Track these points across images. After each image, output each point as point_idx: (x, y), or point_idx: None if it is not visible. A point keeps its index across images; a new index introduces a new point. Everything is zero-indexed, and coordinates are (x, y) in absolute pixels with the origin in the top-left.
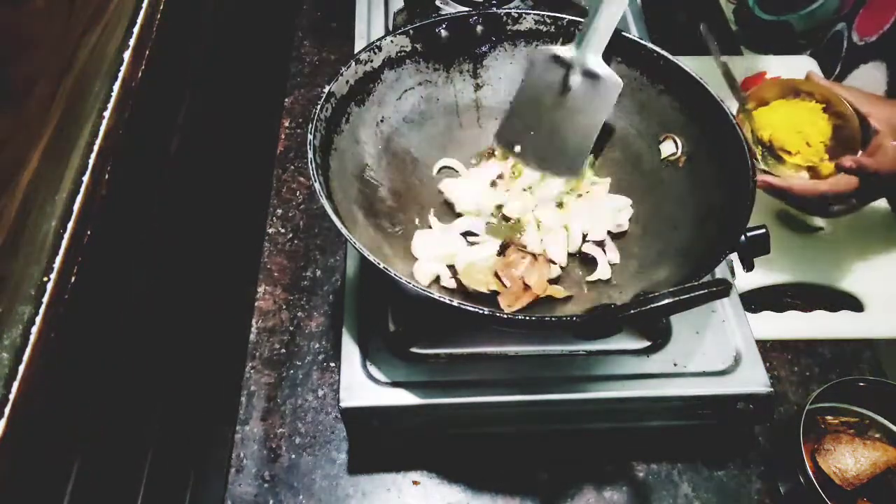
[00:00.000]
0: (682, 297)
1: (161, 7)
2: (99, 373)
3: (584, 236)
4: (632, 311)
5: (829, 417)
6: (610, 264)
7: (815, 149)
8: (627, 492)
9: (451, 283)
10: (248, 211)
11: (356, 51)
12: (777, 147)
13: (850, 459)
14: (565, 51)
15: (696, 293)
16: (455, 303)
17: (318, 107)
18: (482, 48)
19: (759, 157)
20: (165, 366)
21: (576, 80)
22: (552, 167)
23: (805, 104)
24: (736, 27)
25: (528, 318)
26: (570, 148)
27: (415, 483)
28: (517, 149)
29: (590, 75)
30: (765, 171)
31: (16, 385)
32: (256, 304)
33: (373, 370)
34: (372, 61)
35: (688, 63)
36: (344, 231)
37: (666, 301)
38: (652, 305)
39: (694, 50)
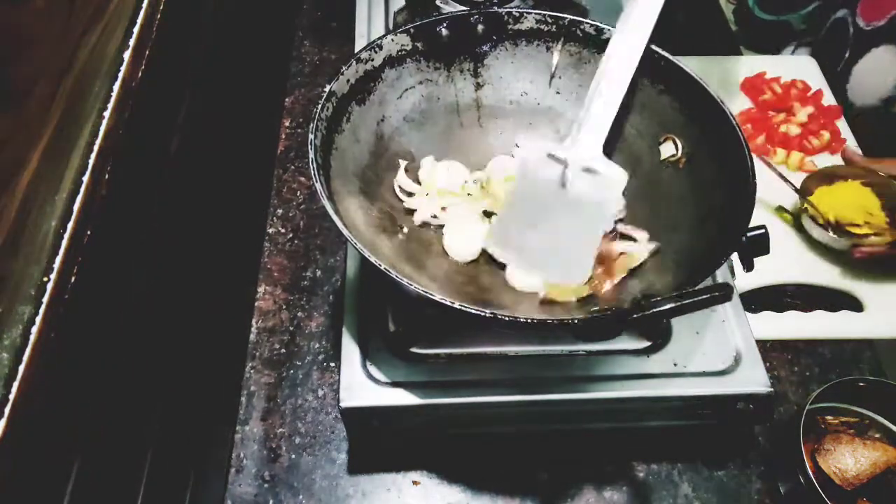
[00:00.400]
0: (683, 302)
1: (161, 7)
2: (99, 373)
3: None
4: (634, 316)
5: (829, 417)
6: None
7: (877, 216)
8: (627, 492)
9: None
10: (248, 211)
11: (357, 50)
12: (845, 224)
13: (850, 459)
14: (561, 149)
15: (699, 298)
16: (455, 304)
17: (319, 106)
18: (483, 47)
19: (834, 237)
20: (165, 366)
21: (574, 177)
22: (552, 274)
23: (849, 184)
24: (736, 27)
25: (528, 319)
26: (571, 253)
27: (415, 483)
28: (510, 256)
29: (589, 171)
30: (856, 246)
31: (16, 385)
32: (256, 304)
33: (373, 370)
34: (373, 60)
35: (688, 63)
36: (344, 231)
37: (668, 305)
38: (654, 310)
39: (694, 50)
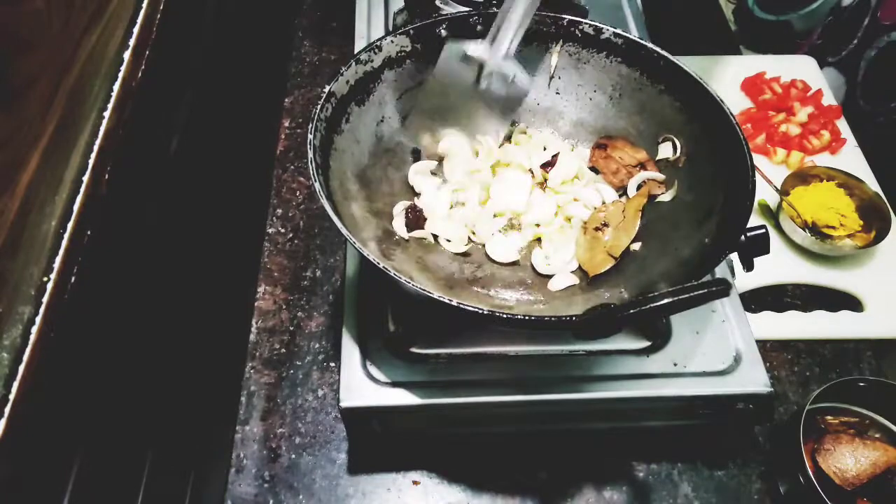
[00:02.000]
0: (681, 297)
1: (161, 7)
2: (99, 373)
3: None
4: (631, 311)
5: (829, 417)
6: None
7: (850, 218)
8: (627, 492)
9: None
10: (248, 211)
11: (356, 51)
12: (821, 226)
13: (850, 459)
14: (477, 48)
15: (696, 293)
16: (455, 302)
17: (319, 107)
18: None
19: (812, 239)
20: (165, 366)
21: (487, 77)
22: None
23: (822, 185)
24: (736, 27)
25: (527, 317)
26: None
27: (415, 483)
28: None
29: (501, 75)
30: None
31: (16, 385)
32: (256, 304)
33: (373, 370)
34: (372, 61)
35: (688, 63)
36: (344, 231)
37: (665, 301)
38: (652, 305)
39: (694, 50)
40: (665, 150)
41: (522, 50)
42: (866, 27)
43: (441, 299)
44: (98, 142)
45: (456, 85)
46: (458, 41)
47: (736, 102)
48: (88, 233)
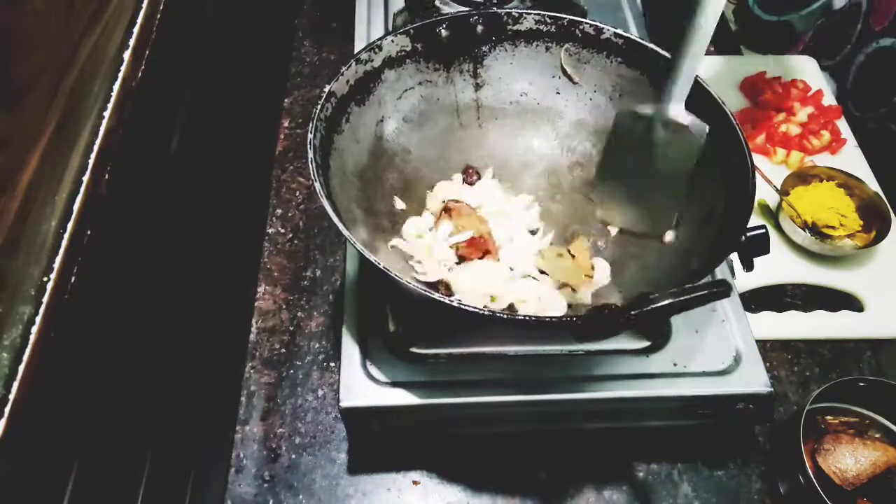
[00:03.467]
0: (682, 298)
1: (161, 7)
2: (99, 373)
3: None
4: (632, 313)
5: (829, 417)
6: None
7: (850, 218)
8: (627, 492)
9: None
10: (247, 211)
11: (356, 51)
12: (821, 226)
13: (850, 459)
14: (646, 108)
15: (697, 294)
16: (455, 303)
17: (319, 106)
18: (482, 48)
19: (812, 239)
20: (166, 366)
21: (659, 131)
22: (638, 227)
23: (822, 185)
24: (736, 27)
25: (527, 318)
26: (658, 202)
27: (415, 483)
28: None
29: (673, 125)
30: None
31: (16, 385)
32: (256, 304)
33: (373, 370)
34: (372, 61)
35: None
36: (344, 231)
37: (666, 302)
38: (652, 306)
39: None
40: None
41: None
42: (859, 32)
43: (441, 299)
44: (98, 142)
45: (630, 147)
46: (628, 103)
47: (736, 102)
48: (88, 233)
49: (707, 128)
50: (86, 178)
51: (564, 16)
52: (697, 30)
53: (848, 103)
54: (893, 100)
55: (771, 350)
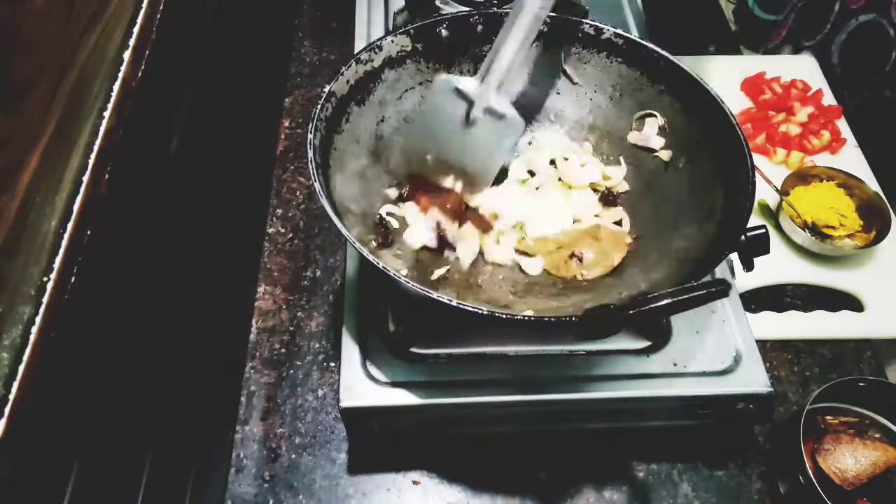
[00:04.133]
0: (681, 298)
1: (161, 7)
2: (99, 373)
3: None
4: (631, 312)
5: (829, 417)
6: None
7: (850, 218)
8: (627, 492)
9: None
10: (248, 211)
11: (356, 51)
12: (821, 226)
13: (850, 459)
14: (468, 84)
15: (696, 293)
16: (454, 302)
17: (319, 106)
18: (483, 48)
19: (813, 239)
20: (166, 366)
21: (478, 115)
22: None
23: (822, 185)
24: (736, 27)
25: (527, 317)
26: (469, 175)
27: (415, 483)
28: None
29: (492, 113)
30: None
31: (16, 385)
32: (256, 304)
33: (373, 370)
34: (372, 61)
35: (688, 63)
36: (344, 231)
37: (665, 301)
38: (652, 305)
39: (694, 50)
40: (651, 127)
41: (530, 50)
42: (837, 12)
43: (441, 299)
44: (98, 142)
45: (445, 121)
46: (450, 76)
47: (736, 102)
48: (88, 233)
49: (523, 125)
50: (86, 178)
51: (564, 16)
52: (520, 14)
53: (833, 82)
54: (886, 69)
55: (771, 350)
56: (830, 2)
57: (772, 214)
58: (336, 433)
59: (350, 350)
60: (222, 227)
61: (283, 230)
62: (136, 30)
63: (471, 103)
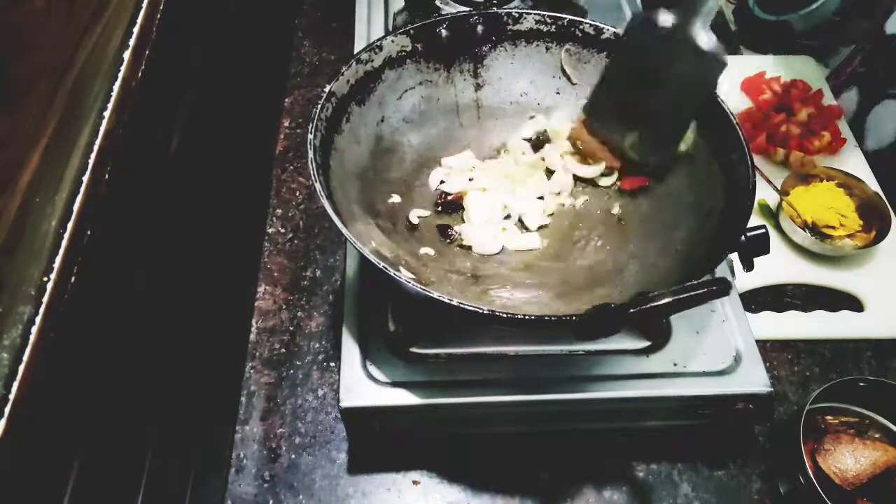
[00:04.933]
0: (681, 297)
1: (161, 7)
2: (99, 373)
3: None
4: (631, 311)
5: (829, 417)
6: None
7: (850, 218)
8: (627, 492)
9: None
10: (248, 211)
11: (356, 51)
12: (821, 226)
13: (850, 459)
14: (666, 18)
15: (696, 293)
16: (455, 302)
17: (319, 106)
18: (483, 48)
19: (813, 239)
20: (165, 365)
21: (675, 52)
22: (642, 152)
23: (822, 185)
24: (736, 27)
25: (527, 317)
26: (663, 126)
27: (415, 483)
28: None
29: (692, 48)
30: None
31: (16, 385)
32: (256, 304)
33: (373, 370)
34: (372, 61)
35: None
36: (344, 231)
37: (666, 300)
38: (651, 305)
39: None
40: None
41: (527, 48)
42: None
43: (441, 299)
44: (98, 142)
45: (641, 64)
46: (645, 12)
47: (736, 102)
48: (88, 233)
49: (727, 61)
50: (86, 178)
51: (564, 16)
52: None
53: (754, 7)
54: (893, 6)
55: (771, 350)
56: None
57: (772, 214)
58: (336, 433)
59: (350, 350)
60: (222, 226)
61: (283, 230)
62: (136, 30)
63: (670, 37)
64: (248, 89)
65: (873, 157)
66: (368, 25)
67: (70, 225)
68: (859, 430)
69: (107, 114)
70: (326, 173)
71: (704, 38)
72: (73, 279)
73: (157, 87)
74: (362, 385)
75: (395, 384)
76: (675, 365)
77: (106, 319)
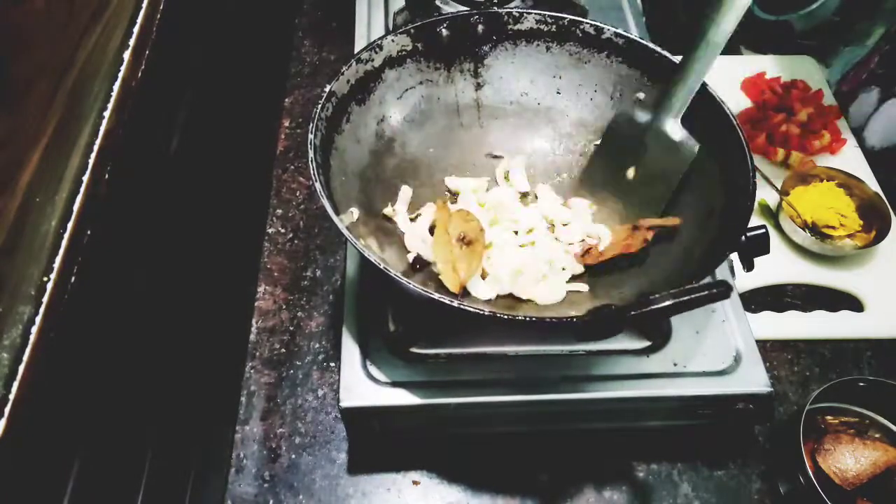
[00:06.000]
0: (682, 299)
1: (161, 7)
2: (99, 373)
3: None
4: (633, 313)
5: (829, 417)
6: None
7: (850, 218)
8: (627, 492)
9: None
10: (248, 211)
11: (356, 50)
12: (821, 226)
13: (850, 459)
14: (642, 115)
15: (697, 295)
16: (455, 303)
17: (319, 106)
18: (483, 48)
19: (813, 239)
20: (165, 365)
21: (652, 139)
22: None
23: (822, 185)
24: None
25: (527, 318)
26: (642, 203)
27: (415, 483)
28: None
29: (665, 139)
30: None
31: (16, 385)
32: (256, 304)
33: (373, 370)
34: (373, 60)
35: None
36: (344, 231)
37: (667, 302)
38: (653, 307)
39: None
40: None
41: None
42: None
43: (441, 299)
44: (98, 142)
45: (623, 148)
46: (626, 109)
47: (736, 102)
48: (88, 233)
49: (697, 147)
50: (86, 178)
51: (565, 15)
52: (706, 47)
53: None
54: None
55: (771, 350)
56: None
57: (772, 214)
58: (336, 433)
59: (350, 350)
60: (222, 226)
61: (283, 230)
62: (136, 30)
63: (645, 129)
64: (248, 89)
65: (878, 157)
66: (368, 25)
67: (70, 225)
68: (859, 430)
69: (107, 114)
70: (327, 173)
71: (676, 131)
72: (73, 279)
73: (157, 87)
74: (362, 385)
75: (395, 384)
76: (675, 365)
77: (106, 319)
